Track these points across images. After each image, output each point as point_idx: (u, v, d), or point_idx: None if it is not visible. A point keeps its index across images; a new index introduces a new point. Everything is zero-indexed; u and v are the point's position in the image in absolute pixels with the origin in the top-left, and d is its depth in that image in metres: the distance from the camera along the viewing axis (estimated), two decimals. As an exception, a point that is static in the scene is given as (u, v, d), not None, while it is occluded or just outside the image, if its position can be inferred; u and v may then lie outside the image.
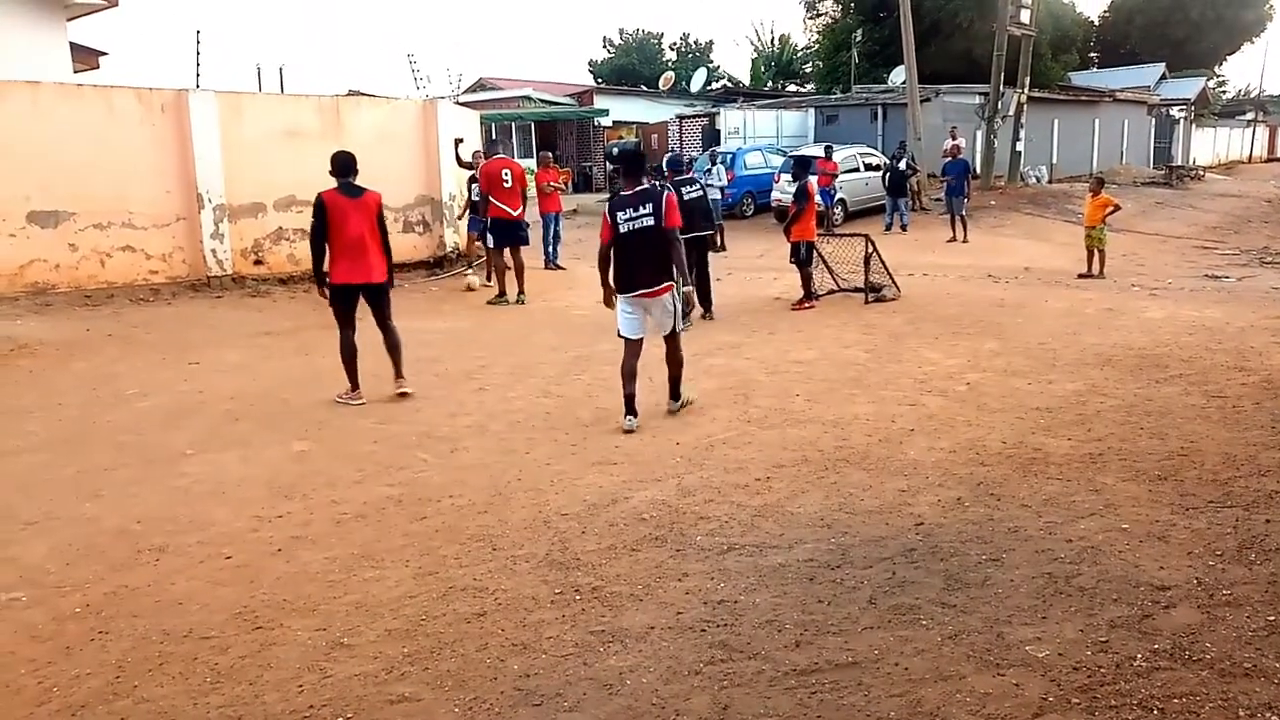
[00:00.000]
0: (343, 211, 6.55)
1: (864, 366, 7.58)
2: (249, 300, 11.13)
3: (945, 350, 8.11)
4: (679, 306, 6.25)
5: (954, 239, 17.66)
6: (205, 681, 3.19)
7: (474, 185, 12.45)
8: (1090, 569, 3.78)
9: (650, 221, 5.94)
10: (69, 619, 3.64)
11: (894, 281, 11.04)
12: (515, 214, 11.39)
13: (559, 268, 14.49)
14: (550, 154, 17.10)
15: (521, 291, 11.67)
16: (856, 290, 10.83)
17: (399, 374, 6.96)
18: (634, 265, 6.04)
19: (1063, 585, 3.65)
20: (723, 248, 17.49)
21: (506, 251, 11.74)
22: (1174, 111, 38.03)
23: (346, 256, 6.62)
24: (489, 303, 11.66)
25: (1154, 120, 35.90)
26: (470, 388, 7.22)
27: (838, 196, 19.85)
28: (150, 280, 10.99)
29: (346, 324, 6.77)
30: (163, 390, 7.23)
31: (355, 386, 6.79)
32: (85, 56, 14.50)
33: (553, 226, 14.62)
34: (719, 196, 18.28)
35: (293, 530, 4.48)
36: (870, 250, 10.75)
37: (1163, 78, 39.71)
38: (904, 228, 19.14)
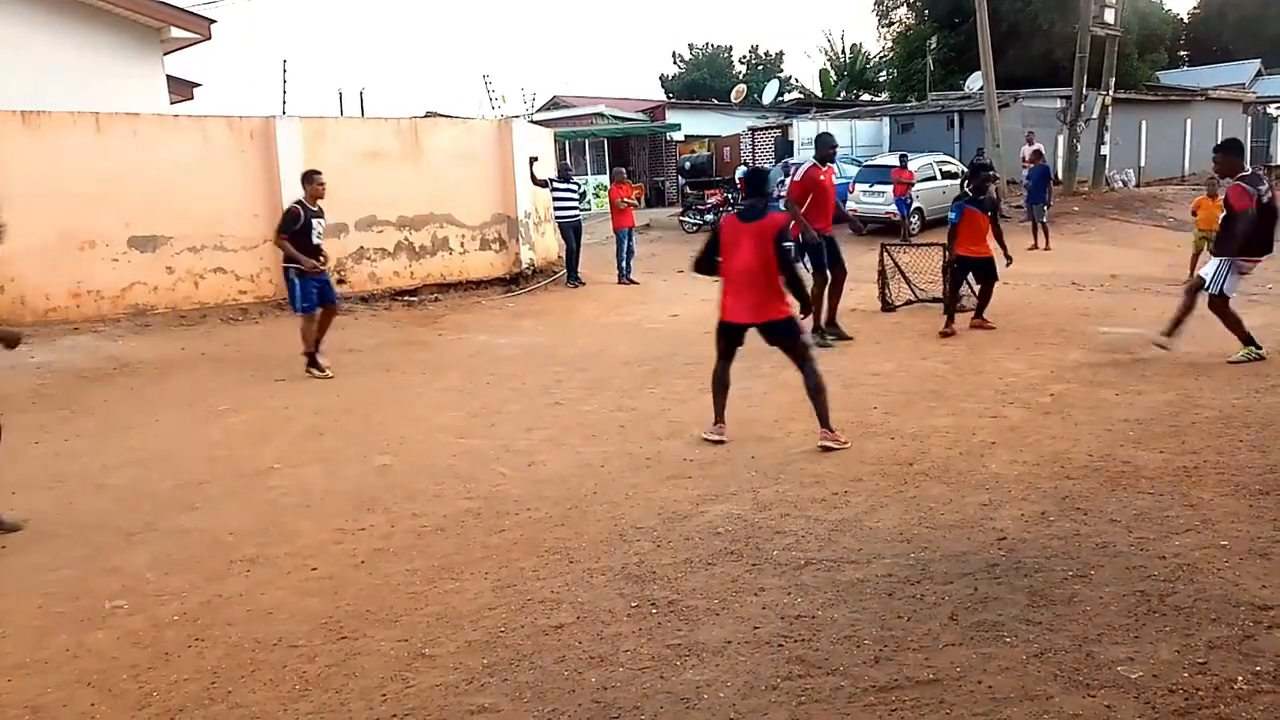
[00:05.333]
0: (732, 237, 5.72)
1: (943, 378, 7.43)
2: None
3: (1028, 360, 7.90)
4: None
5: (1035, 246, 17.20)
6: (294, 689, 3.29)
7: None
8: (1186, 587, 3.63)
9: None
10: (167, 626, 3.80)
11: (974, 291, 10.79)
12: None
13: (632, 282, 14.59)
14: (623, 170, 17.29)
15: None
16: (935, 300, 10.63)
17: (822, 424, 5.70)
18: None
19: (1156, 604, 3.51)
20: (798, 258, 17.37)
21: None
22: (1271, 109, 36.36)
23: (730, 290, 5.76)
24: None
25: (1250, 119, 34.41)
26: (546, 402, 7.31)
27: (914, 205, 19.54)
28: (239, 300, 11.44)
29: (723, 356, 5.93)
30: (251, 406, 7.49)
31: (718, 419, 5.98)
32: (180, 88, 15.20)
33: (626, 242, 14.76)
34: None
35: (375, 543, 4.59)
36: (949, 259, 10.52)
37: (1258, 74, 38.06)
38: (983, 236, 18.71)
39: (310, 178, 8.51)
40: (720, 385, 5.99)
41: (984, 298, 9.63)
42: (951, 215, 9.65)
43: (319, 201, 8.49)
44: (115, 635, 3.74)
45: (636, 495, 5.06)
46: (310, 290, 8.39)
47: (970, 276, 9.62)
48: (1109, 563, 3.89)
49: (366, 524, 4.85)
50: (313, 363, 8.44)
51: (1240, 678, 2.98)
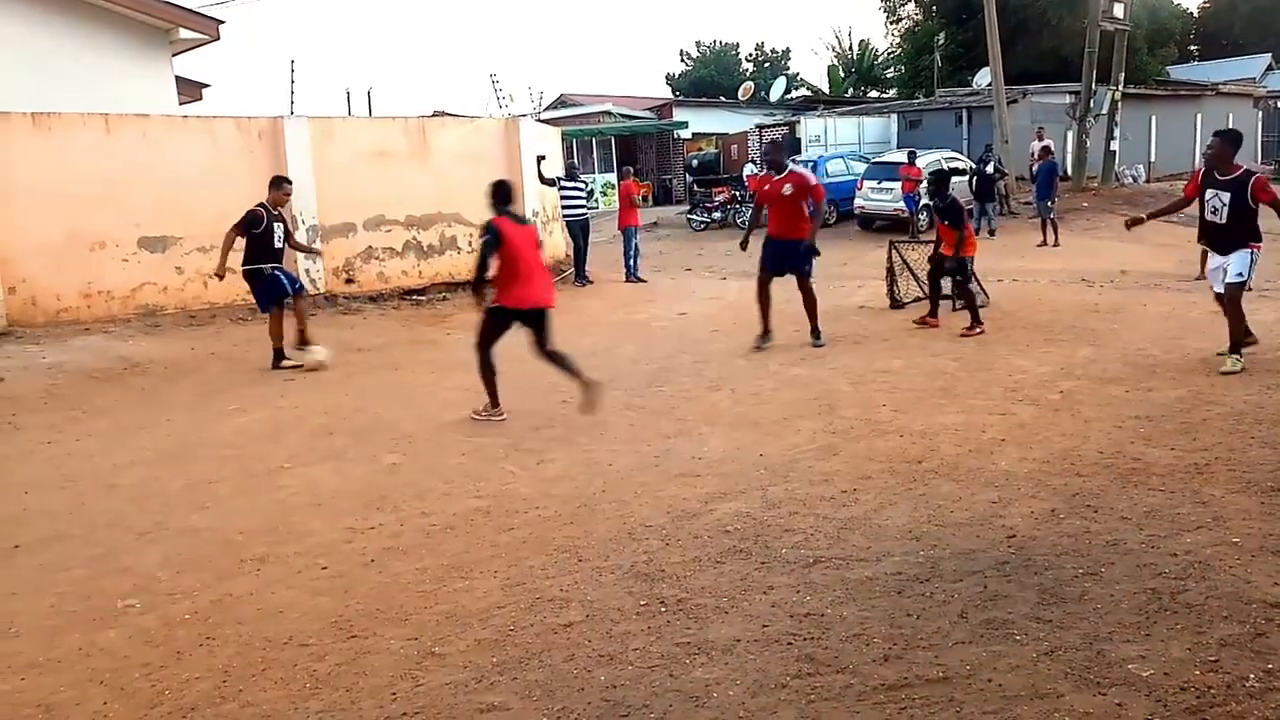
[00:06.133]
0: (514, 239, 6.54)
1: (952, 375, 7.41)
2: (341, 318, 11.51)
3: (1037, 358, 7.87)
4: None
5: (1044, 243, 17.15)
6: (305, 687, 3.30)
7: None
8: (1198, 585, 3.61)
9: None
10: (179, 625, 3.82)
11: (982, 288, 10.76)
12: None
13: (640, 280, 14.59)
14: (630, 168, 17.31)
15: None
16: (944, 298, 10.59)
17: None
18: None
19: (1167, 601, 3.50)
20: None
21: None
22: (1282, 103, 36.17)
23: (523, 281, 6.59)
24: None
25: (1261, 113, 34.22)
26: (555, 400, 7.31)
27: (922, 202, 19.50)
28: (249, 300, 11.44)
29: (490, 345, 6.72)
30: (261, 406, 7.52)
31: (496, 403, 6.77)
32: (189, 89, 15.25)
33: (633, 240, 14.75)
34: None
35: (385, 541, 4.61)
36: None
37: (1269, 68, 37.85)
38: (992, 232, 18.68)
39: (278, 184, 8.80)
40: (492, 371, 6.72)
41: (959, 299, 9.62)
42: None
43: (279, 208, 8.78)
44: (127, 634, 3.76)
45: (645, 493, 5.06)
46: (273, 292, 8.63)
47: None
48: (1120, 560, 3.88)
49: (376, 523, 4.86)
50: (279, 356, 8.65)
51: (1252, 675, 2.97)
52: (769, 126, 29.76)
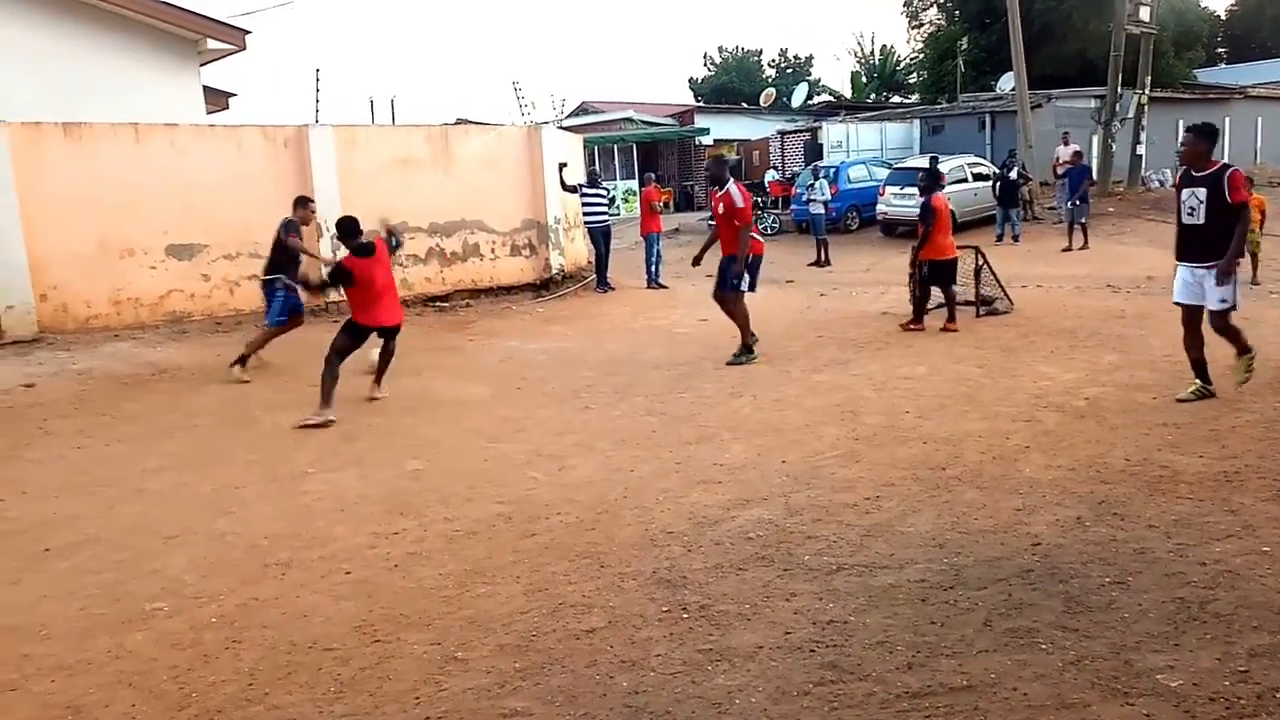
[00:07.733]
0: (370, 268, 7.41)
1: (976, 382, 7.36)
2: (365, 324, 11.56)
3: (1062, 364, 7.80)
4: None
5: (1069, 248, 16.99)
6: (329, 691, 3.33)
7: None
8: (1227, 594, 3.57)
9: None
10: (206, 628, 3.86)
11: (1006, 294, 10.70)
12: None
13: (662, 286, 14.60)
14: (652, 175, 17.36)
15: None
16: (967, 304, 10.53)
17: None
18: None
19: (1196, 611, 3.45)
20: (828, 262, 17.32)
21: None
22: (1312, 106, 35.62)
23: (382, 303, 7.56)
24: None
25: (1291, 116, 33.75)
26: (576, 406, 7.34)
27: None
28: (274, 307, 11.57)
29: (347, 354, 7.44)
30: (286, 411, 7.58)
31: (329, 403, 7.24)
32: (216, 98, 15.44)
33: (655, 246, 14.77)
34: (823, 211, 18.11)
35: (408, 547, 4.63)
36: (980, 262, 10.45)
37: (1299, 71, 37.31)
38: (1016, 238, 18.53)
39: (304, 203, 9.16)
40: (335, 379, 7.24)
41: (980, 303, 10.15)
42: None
43: (304, 224, 9.15)
44: (155, 637, 3.80)
45: (667, 500, 5.06)
46: (287, 305, 8.94)
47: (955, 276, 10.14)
48: (1147, 569, 3.84)
49: (399, 528, 4.89)
50: (242, 361, 8.78)
51: (1283, 687, 2.93)
52: (791, 133, 29.71)
